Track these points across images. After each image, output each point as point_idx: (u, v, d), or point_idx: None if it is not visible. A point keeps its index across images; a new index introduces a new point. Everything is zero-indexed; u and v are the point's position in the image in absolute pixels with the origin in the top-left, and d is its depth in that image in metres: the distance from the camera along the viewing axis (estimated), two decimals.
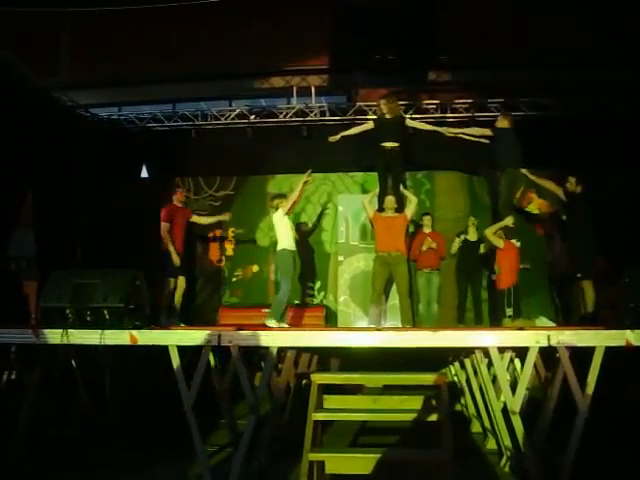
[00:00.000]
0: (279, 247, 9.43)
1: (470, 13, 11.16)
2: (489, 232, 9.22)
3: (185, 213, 10.17)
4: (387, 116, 9.55)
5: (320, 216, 12.65)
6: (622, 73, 12.44)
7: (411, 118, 11.35)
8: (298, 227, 11.59)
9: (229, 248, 12.83)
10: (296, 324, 10.84)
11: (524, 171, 9.13)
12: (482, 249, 10.75)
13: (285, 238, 9.42)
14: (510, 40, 12.21)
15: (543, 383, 6.92)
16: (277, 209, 9.47)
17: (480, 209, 12.01)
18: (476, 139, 9.50)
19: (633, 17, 10.48)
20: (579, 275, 8.44)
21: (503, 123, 9.28)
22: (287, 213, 9.53)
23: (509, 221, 9.05)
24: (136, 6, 10.46)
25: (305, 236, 12.13)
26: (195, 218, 10.51)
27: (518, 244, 9.59)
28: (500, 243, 9.03)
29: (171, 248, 9.65)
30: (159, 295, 9.44)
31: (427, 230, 10.94)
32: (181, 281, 9.84)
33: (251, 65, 12.65)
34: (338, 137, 9.86)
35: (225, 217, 10.73)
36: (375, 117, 9.93)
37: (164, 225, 9.75)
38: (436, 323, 10.51)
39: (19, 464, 6.39)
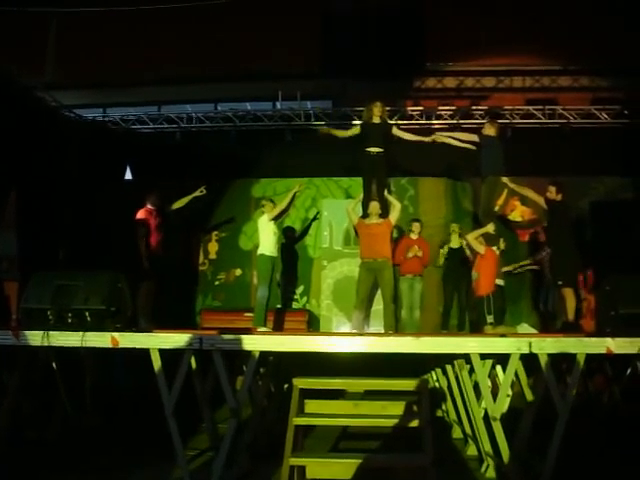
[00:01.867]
0: (259, 252, 9.53)
1: (455, 21, 11.26)
2: (471, 237, 9.20)
3: (160, 214, 9.97)
4: (374, 121, 9.52)
5: (304, 221, 12.63)
6: (606, 80, 12.64)
7: (396, 125, 11.39)
8: (282, 231, 11.54)
9: (212, 251, 12.78)
10: (278, 328, 10.83)
11: (505, 179, 9.13)
12: (467, 252, 10.74)
13: (266, 243, 9.49)
14: (495, 48, 12.33)
15: (524, 389, 6.94)
16: (264, 213, 9.54)
17: (462, 215, 12.05)
18: (463, 145, 9.47)
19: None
20: (560, 282, 8.46)
21: (489, 130, 9.25)
22: (273, 219, 9.58)
23: (490, 228, 9.05)
24: (122, 8, 10.47)
25: (289, 240, 12.11)
26: (173, 206, 10.27)
27: (498, 251, 9.62)
28: (481, 249, 9.02)
29: (144, 251, 9.50)
30: (138, 298, 9.34)
31: (414, 237, 10.90)
32: (150, 284, 9.65)
33: (237, 69, 12.67)
34: (326, 130, 10.03)
35: (198, 193, 10.51)
36: (361, 122, 9.89)
37: (138, 228, 9.60)
38: (418, 329, 10.51)
39: None
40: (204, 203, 10.88)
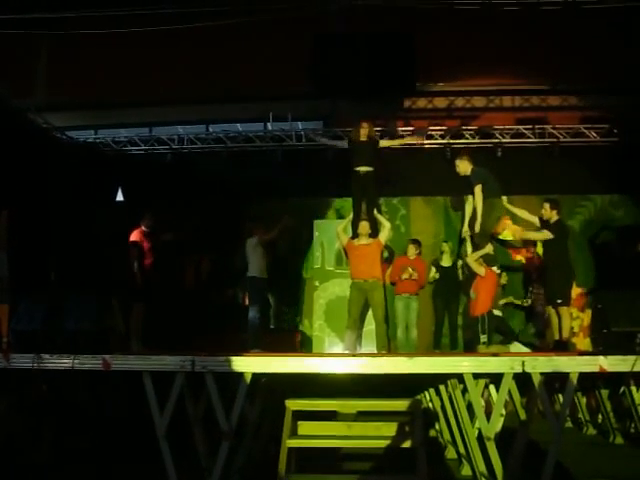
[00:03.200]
0: (249, 274, 9.57)
1: (445, 41, 11.32)
2: (471, 259, 9.09)
3: (153, 236, 9.95)
4: (362, 139, 9.53)
5: (296, 241, 12.60)
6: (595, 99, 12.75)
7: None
8: (274, 252, 11.50)
9: (204, 273, 12.71)
10: (271, 349, 10.78)
11: (502, 199, 9.09)
12: (460, 276, 10.70)
13: (256, 266, 9.54)
14: (484, 68, 12.39)
15: (517, 409, 6.92)
16: (252, 236, 9.58)
17: (455, 235, 12.02)
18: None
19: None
20: (559, 301, 8.45)
21: (465, 166, 9.01)
22: (261, 242, 9.61)
23: (489, 249, 9.01)
24: (114, 30, 10.49)
25: (281, 261, 12.07)
26: (165, 236, 10.27)
27: (498, 271, 9.61)
28: (482, 271, 8.94)
29: (137, 273, 9.45)
30: (130, 320, 9.29)
31: (411, 257, 10.86)
32: (142, 306, 9.59)
33: (228, 90, 12.70)
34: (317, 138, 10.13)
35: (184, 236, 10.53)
36: (350, 140, 9.91)
37: (131, 250, 9.58)
38: (415, 348, 10.49)
39: None
40: (196, 225, 10.86)
